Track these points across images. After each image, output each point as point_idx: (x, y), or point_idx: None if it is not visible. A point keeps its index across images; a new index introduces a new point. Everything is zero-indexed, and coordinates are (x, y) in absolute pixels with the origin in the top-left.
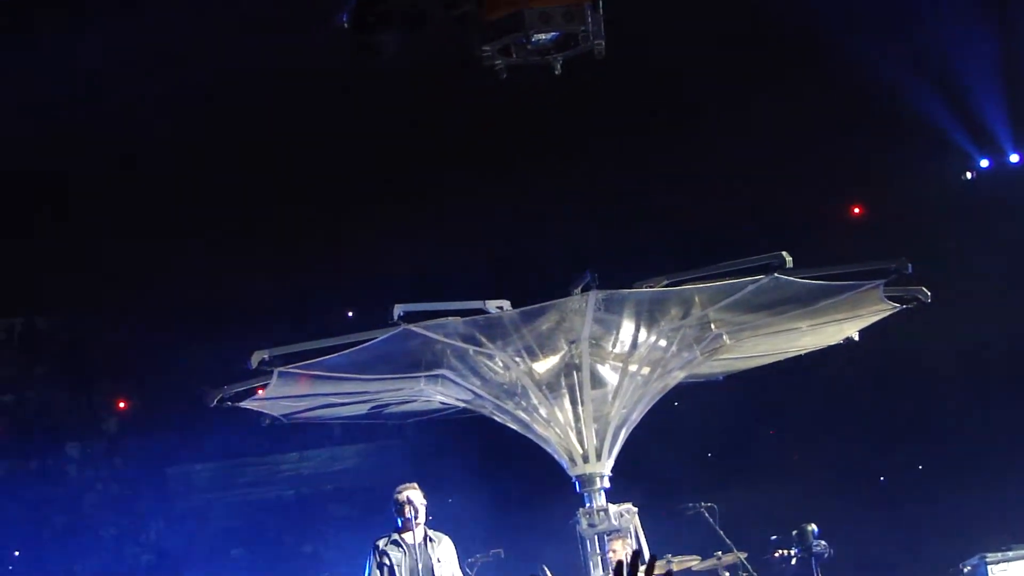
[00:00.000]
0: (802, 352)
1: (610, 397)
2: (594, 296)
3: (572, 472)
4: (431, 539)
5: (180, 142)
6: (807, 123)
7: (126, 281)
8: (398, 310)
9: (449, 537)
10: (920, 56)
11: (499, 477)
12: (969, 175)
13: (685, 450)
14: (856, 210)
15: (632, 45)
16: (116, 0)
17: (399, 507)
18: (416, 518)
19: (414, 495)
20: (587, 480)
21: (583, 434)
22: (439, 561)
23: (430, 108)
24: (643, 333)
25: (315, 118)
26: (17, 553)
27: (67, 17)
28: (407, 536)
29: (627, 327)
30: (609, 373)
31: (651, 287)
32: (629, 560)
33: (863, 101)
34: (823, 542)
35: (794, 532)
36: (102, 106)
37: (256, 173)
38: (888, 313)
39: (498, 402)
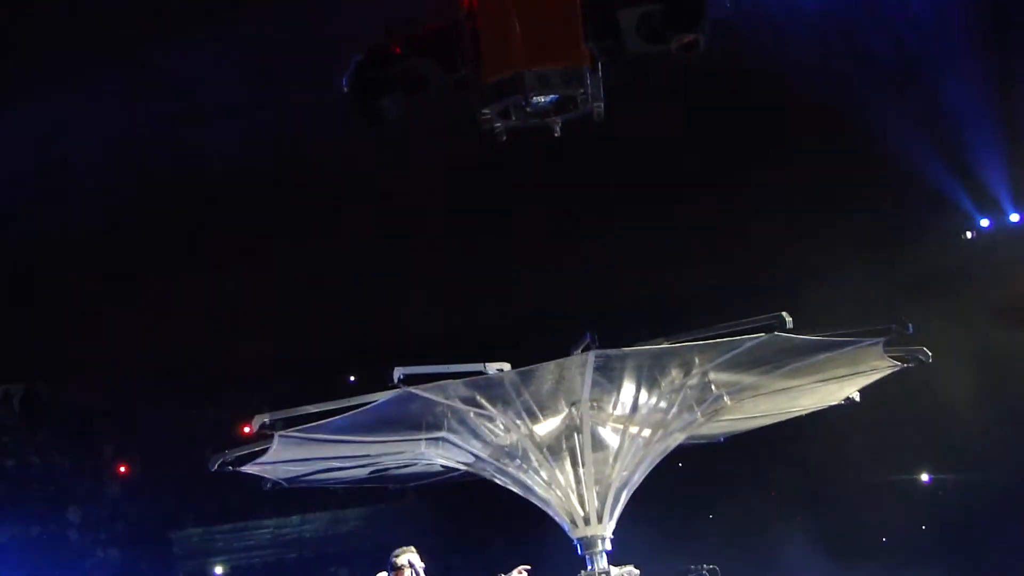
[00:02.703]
0: (803, 412)
1: (611, 459)
2: (593, 355)
3: (573, 534)
4: None
5: (177, 208)
6: (809, 186)
7: (126, 346)
8: (398, 372)
9: None
10: (921, 117)
11: (499, 539)
12: (969, 234)
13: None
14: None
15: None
16: None
17: (398, 570)
18: None
19: (414, 558)
20: (588, 543)
21: (584, 496)
22: None
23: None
24: (644, 394)
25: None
26: None
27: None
28: None
29: (628, 388)
30: (610, 435)
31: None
32: None
33: (864, 163)
34: None
35: None
36: (100, 171)
37: (256, 236)
38: (889, 371)
39: (499, 465)
